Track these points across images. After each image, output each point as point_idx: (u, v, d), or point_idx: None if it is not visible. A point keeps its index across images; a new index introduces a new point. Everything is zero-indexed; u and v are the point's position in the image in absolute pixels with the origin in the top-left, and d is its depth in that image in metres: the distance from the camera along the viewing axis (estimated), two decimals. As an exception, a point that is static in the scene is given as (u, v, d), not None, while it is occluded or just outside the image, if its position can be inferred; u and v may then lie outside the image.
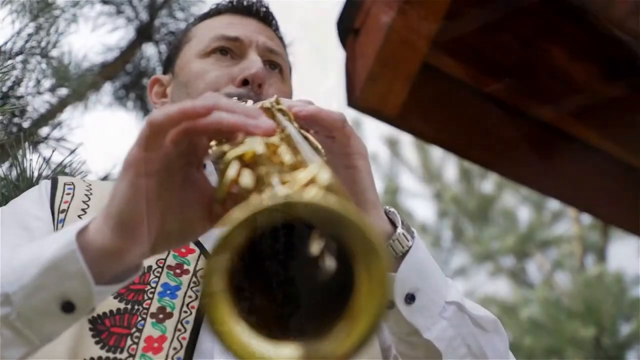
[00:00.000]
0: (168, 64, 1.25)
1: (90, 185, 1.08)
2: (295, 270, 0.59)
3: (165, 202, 0.70)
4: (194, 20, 1.29)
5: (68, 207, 1.01)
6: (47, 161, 1.48)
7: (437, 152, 6.37)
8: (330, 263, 0.53)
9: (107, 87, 1.98)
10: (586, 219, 6.08)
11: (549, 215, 6.24)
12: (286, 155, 0.61)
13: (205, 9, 1.66)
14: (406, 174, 6.38)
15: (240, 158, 0.62)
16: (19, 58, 1.47)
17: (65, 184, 1.06)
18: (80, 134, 1.85)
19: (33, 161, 1.40)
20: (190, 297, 0.94)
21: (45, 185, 1.06)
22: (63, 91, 1.68)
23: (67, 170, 1.47)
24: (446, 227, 6.09)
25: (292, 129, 0.71)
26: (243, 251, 0.52)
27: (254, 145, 0.62)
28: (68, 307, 0.70)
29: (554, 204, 6.27)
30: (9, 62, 1.36)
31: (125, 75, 1.99)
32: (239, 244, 0.51)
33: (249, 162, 0.62)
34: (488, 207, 6.12)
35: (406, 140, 6.80)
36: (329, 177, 0.53)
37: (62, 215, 1.00)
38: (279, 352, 0.53)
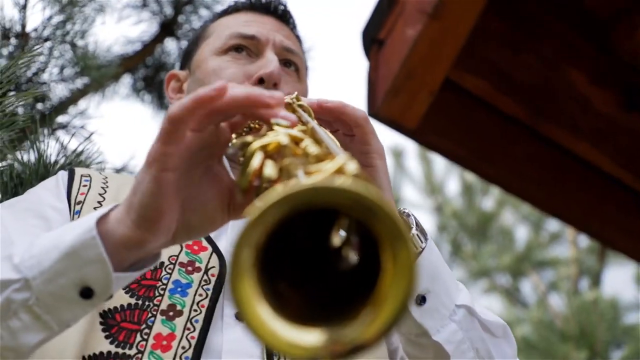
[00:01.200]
0: (185, 60, 1.25)
1: (106, 177, 1.08)
2: (321, 256, 0.59)
3: (186, 195, 0.71)
4: (211, 17, 1.29)
5: (84, 199, 1.02)
6: (64, 147, 1.49)
7: (440, 166, 6.38)
8: (356, 249, 0.54)
9: (126, 80, 2.00)
10: (583, 242, 6.09)
11: (547, 236, 6.25)
12: (311, 147, 0.61)
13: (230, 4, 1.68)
14: (408, 185, 6.39)
15: (264, 149, 0.63)
16: (47, 44, 1.49)
17: (82, 176, 1.06)
18: (98, 124, 1.87)
19: (50, 147, 1.42)
20: (200, 295, 0.94)
21: (62, 175, 1.06)
22: (84, 80, 1.70)
23: (82, 158, 1.48)
24: (445, 240, 6.10)
25: (314, 123, 0.72)
26: (274, 232, 0.52)
27: (278, 137, 0.63)
28: (87, 293, 0.71)
29: (552, 225, 6.27)
30: (37, 47, 1.37)
31: (144, 69, 2.01)
32: (272, 223, 0.51)
33: (272, 153, 0.62)
34: (487, 224, 6.12)
35: (410, 152, 6.80)
36: (357, 167, 0.54)
37: (78, 207, 1.00)
38: (303, 337, 0.53)
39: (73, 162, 1.30)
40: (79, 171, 1.08)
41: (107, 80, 1.79)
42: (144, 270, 0.75)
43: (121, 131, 2.09)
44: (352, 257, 0.56)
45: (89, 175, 1.07)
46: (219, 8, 2.04)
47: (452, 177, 6.45)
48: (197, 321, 0.90)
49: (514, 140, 2.02)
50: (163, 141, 0.68)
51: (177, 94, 1.23)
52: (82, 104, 1.75)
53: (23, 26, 1.45)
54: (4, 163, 1.19)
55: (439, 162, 6.37)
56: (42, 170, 1.26)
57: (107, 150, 1.59)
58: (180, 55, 2.03)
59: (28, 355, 0.75)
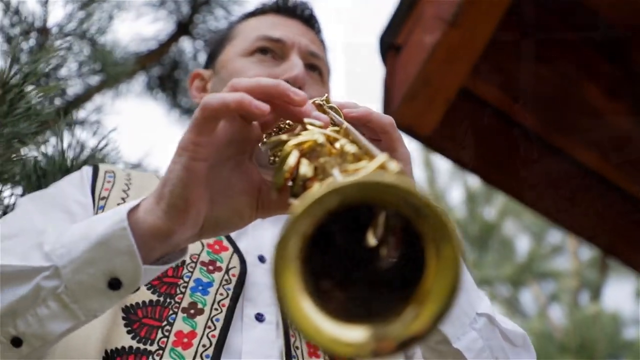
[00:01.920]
0: (210, 60, 1.26)
1: (129, 174, 1.09)
2: (365, 252, 0.58)
3: (215, 188, 0.72)
4: (238, 18, 1.30)
5: (108, 195, 1.02)
6: (79, 143, 1.51)
7: (443, 174, 6.39)
8: (400, 246, 0.53)
9: (140, 77, 2.01)
10: (585, 254, 6.09)
11: (549, 248, 6.25)
12: (348, 146, 0.60)
13: (246, 8, 1.70)
14: (411, 192, 6.38)
15: (299, 147, 0.63)
16: (68, 38, 1.50)
17: (106, 172, 1.07)
18: (113, 120, 1.88)
19: (66, 141, 1.43)
20: (221, 294, 0.94)
21: (86, 171, 1.07)
22: (100, 77, 1.71)
23: (102, 153, 1.49)
24: (446, 249, 6.10)
25: (347, 124, 0.72)
26: (319, 226, 0.52)
27: (314, 136, 0.63)
28: (115, 284, 0.71)
29: (554, 236, 6.27)
30: (62, 43, 1.39)
31: (159, 67, 2.02)
32: (318, 216, 0.51)
33: (307, 152, 0.63)
34: (489, 234, 6.13)
35: (414, 158, 6.77)
36: (399, 165, 0.54)
37: (102, 202, 1.01)
38: (347, 333, 0.52)
39: (96, 157, 1.31)
40: (102, 167, 1.09)
41: (122, 78, 1.80)
42: (171, 264, 0.75)
43: (135, 128, 2.10)
44: (392, 253, 0.56)
45: (113, 172, 1.08)
46: (235, 8, 2.06)
47: (455, 186, 6.45)
48: (217, 320, 0.91)
49: (526, 151, 2.02)
50: (195, 131, 0.69)
51: (201, 93, 1.24)
52: (97, 100, 1.76)
53: (44, 21, 1.47)
54: (28, 154, 1.20)
55: (443, 170, 6.37)
56: (64, 164, 1.27)
57: (122, 147, 1.60)
58: (195, 54, 2.05)
59: (54, 343, 0.76)
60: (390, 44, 1.68)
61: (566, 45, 1.68)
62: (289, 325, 0.92)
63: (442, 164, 6.35)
